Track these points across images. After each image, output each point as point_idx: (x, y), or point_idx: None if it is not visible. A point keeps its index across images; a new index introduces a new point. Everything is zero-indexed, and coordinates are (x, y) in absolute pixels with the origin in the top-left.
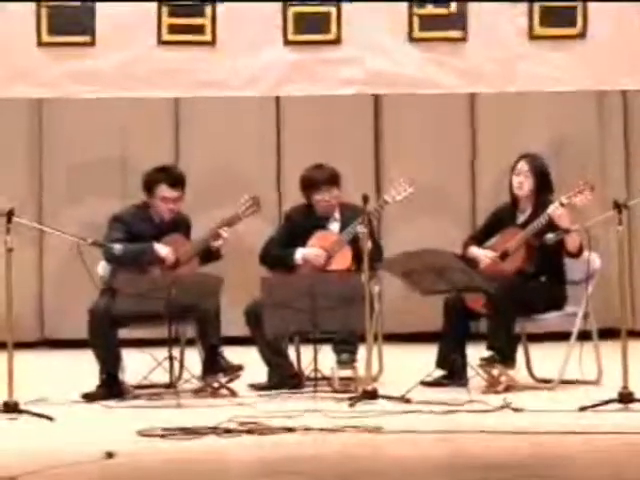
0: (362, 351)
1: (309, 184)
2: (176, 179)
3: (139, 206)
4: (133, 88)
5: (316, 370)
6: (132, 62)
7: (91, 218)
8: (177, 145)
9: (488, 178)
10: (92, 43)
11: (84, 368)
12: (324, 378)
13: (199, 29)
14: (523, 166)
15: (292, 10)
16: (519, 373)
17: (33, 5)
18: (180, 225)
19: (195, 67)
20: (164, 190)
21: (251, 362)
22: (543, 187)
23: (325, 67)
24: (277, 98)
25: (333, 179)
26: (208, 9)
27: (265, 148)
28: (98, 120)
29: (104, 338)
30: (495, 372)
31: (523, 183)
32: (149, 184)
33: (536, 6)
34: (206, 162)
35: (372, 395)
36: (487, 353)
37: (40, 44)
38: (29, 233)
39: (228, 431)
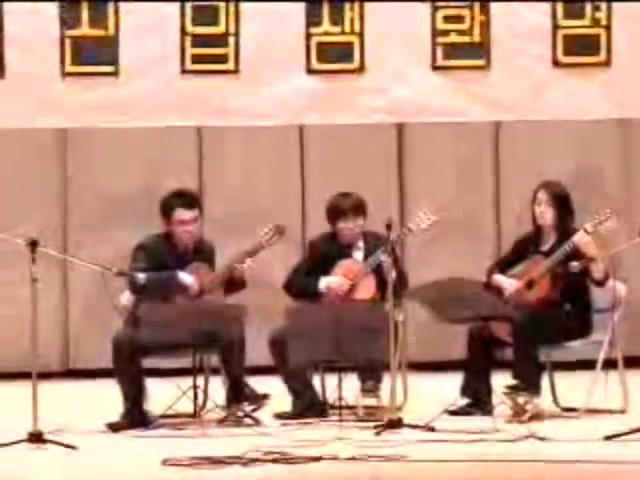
0: (386, 379)
1: (335, 212)
2: (191, 200)
3: (162, 235)
4: (157, 117)
5: (340, 398)
6: (156, 91)
7: (116, 248)
8: (200, 174)
9: (513, 205)
10: (116, 73)
11: (108, 398)
12: (349, 407)
13: (222, 58)
14: (542, 195)
15: (315, 39)
16: (544, 402)
17: (57, 35)
18: (204, 253)
19: (218, 95)
20: (181, 213)
21: (275, 391)
22: (565, 214)
23: (348, 96)
24: (300, 126)
25: (359, 207)
26: (231, 39)
27: (289, 177)
28: (123, 150)
29: (128, 368)
30: (520, 401)
31: (544, 212)
32: (165, 209)
33: (559, 34)
34: (230, 191)
35: (397, 424)
36: (512, 381)
37: (64, 74)
38: (54, 263)
39: (253, 460)
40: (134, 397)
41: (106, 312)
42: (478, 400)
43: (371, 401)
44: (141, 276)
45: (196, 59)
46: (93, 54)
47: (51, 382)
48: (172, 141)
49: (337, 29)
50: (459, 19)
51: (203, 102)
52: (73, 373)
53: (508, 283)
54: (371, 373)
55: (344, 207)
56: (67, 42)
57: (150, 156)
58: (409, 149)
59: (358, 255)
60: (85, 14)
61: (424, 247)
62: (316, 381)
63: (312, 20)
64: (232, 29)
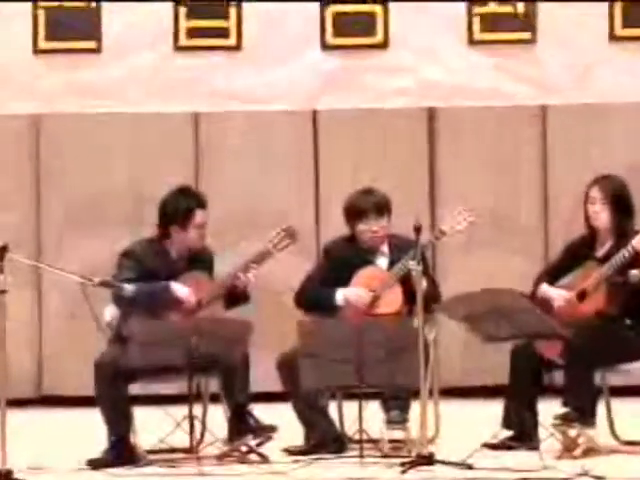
0: (415, 408)
1: (355, 212)
2: (204, 199)
3: (152, 240)
4: (145, 102)
5: (361, 431)
6: (144, 72)
7: (98, 254)
8: (197, 168)
9: (563, 203)
10: (97, 50)
11: (89, 429)
12: (371, 440)
13: (222, 32)
14: (597, 193)
15: (331, 9)
16: (601, 434)
17: (28, 6)
18: (201, 261)
19: (218, 77)
20: (201, 216)
21: (285, 422)
22: (623, 215)
23: (370, 76)
24: (314, 112)
25: (383, 207)
26: (233, 10)
27: (301, 171)
28: (105, 140)
29: (113, 394)
30: (572, 433)
31: (599, 213)
32: (185, 213)
33: (617, 3)
34: (231, 188)
35: (428, 460)
36: (563, 410)
37: (36, 52)
38: (26, 272)
39: None
40: (119, 429)
41: (86, 330)
42: (522, 432)
43: (397, 434)
44: (128, 287)
45: (192, 33)
46: (71, 28)
47: (23, 411)
48: (164, 130)
49: None
50: None
51: (200, 84)
52: (48, 400)
53: (557, 294)
54: (397, 401)
55: (366, 206)
56: (39, 14)
57: (138, 148)
58: (441, 138)
59: (382, 262)
60: None
61: (459, 252)
62: (333, 410)
63: None
64: None
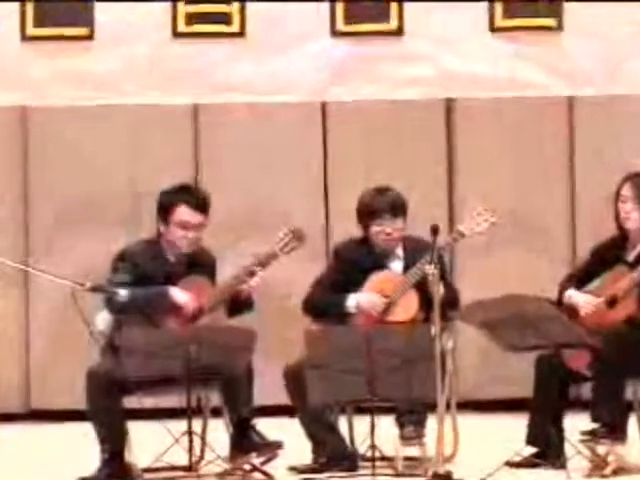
0: (432, 423)
1: (368, 212)
2: (199, 200)
3: (150, 241)
4: (141, 93)
5: (374, 447)
6: (140, 60)
7: (90, 257)
8: (196, 164)
9: (591, 202)
10: (90, 37)
11: (81, 445)
12: (384, 458)
13: (224, 18)
14: (628, 191)
15: None
16: (631, 451)
17: None
18: (202, 265)
19: (219, 66)
20: (184, 213)
21: (291, 438)
22: None
23: (383, 65)
24: (323, 104)
25: (399, 207)
26: None
27: (308, 167)
28: (98, 134)
29: (106, 408)
30: (601, 450)
31: (630, 212)
32: (165, 207)
33: None
34: (234, 185)
35: (445, 479)
36: (591, 426)
37: (24, 38)
38: (12, 277)
39: None
40: (113, 445)
41: (77, 338)
42: (548, 449)
43: (413, 451)
44: (122, 292)
45: (191, 19)
46: (61, 13)
47: (9, 426)
48: (161, 123)
49: None
50: None
51: (200, 74)
52: (36, 415)
53: (585, 301)
54: (412, 415)
55: (380, 206)
56: None
57: (133, 142)
58: (460, 131)
59: (396, 266)
60: None
61: (479, 255)
62: (343, 425)
63: None
64: None
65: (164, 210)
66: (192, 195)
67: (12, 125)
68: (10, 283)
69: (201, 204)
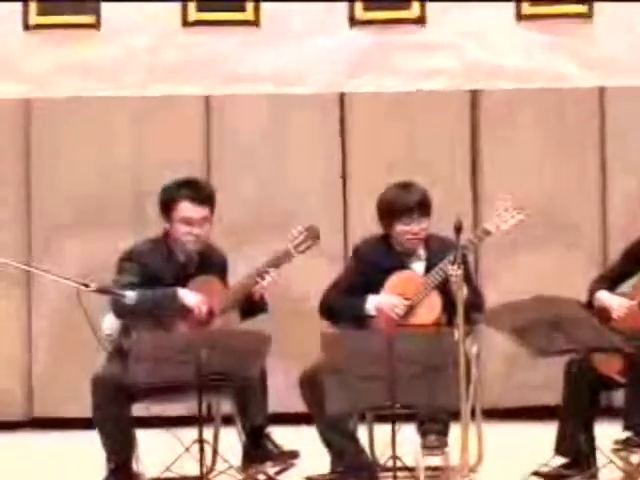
0: (455, 432)
1: (393, 211)
2: (202, 194)
3: (158, 240)
4: (150, 84)
5: (395, 457)
6: (149, 50)
7: (95, 257)
8: (208, 159)
9: (624, 198)
10: (96, 25)
11: (86, 455)
12: (405, 468)
13: (237, 6)
14: None
15: None
16: None
17: None
18: (213, 265)
19: (232, 56)
20: (186, 208)
21: (308, 447)
22: None
23: (405, 55)
24: (341, 95)
25: (425, 205)
26: None
27: (326, 162)
28: (104, 127)
29: (113, 415)
30: (635, 459)
31: None
32: (167, 203)
33: None
34: (246, 180)
35: None
36: (623, 434)
37: (27, 27)
38: (14, 278)
39: None
40: (120, 454)
41: (82, 343)
42: (578, 459)
43: (435, 460)
44: (129, 294)
45: (203, 7)
46: (65, 1)
47: (11, 434)
48: (171, 116)
49: None
50: None
51: (212, 64)
52: (39, 423)
53: (617, 303)
54: (435, 423)
55: (407, 204)
56: None
57: (141, 135)
58: (485, 125)
59: (418, 266)
60: None
61: (505, 255)
62: (362, 434)
63: None
64: None
65: (166, 207)
66: (194, 189)
67: (14, 117)
68: (13, 284)
69: (204, 197)
